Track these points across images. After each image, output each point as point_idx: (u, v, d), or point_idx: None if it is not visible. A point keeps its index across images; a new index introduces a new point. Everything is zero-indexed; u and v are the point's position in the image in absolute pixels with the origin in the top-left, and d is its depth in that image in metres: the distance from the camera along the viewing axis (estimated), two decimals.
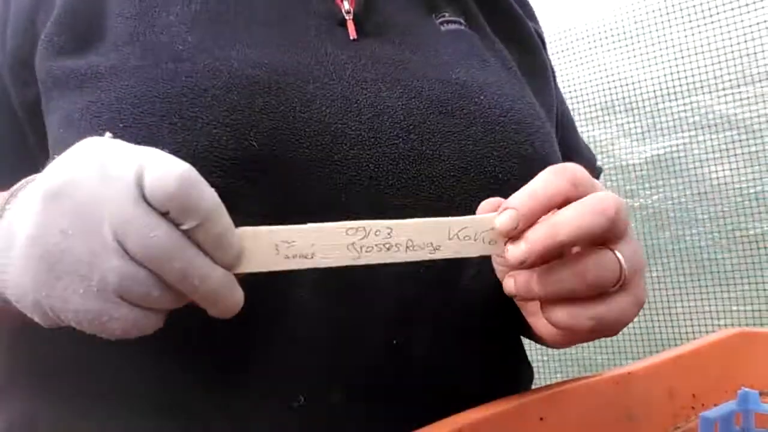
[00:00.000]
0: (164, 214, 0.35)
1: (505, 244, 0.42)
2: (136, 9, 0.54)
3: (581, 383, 0.51)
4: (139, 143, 0.43)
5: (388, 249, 0.41)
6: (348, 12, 0.57)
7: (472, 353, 0.57)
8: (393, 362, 0.52)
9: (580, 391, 0.50)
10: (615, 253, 0.42)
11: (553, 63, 0.73)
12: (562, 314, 0.42)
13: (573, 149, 0.73)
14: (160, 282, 0.35)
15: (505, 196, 0.55)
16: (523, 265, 0.41)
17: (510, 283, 0.43)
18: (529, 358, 0.65)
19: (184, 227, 0.35)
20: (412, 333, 0.52)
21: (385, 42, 0.57)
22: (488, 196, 0.54)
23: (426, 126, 0.54)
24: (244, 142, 0.48)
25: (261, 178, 0.48)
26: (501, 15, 0.67)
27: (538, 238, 0.40)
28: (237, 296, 0.38)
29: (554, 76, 0.72)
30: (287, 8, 0.56)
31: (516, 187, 0.54)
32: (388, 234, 0.41)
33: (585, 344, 2.12)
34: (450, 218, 0.42)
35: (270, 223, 0.39)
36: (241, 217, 0.42)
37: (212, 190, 0.36)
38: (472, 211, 0.54)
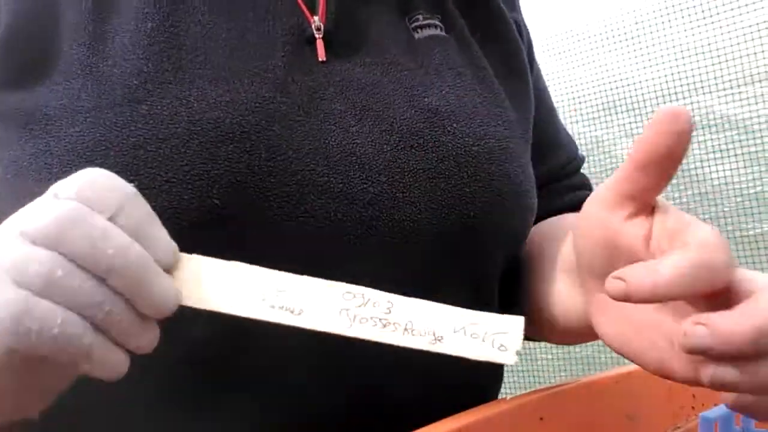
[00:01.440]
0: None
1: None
2: (89, 35, 0.49)
3: (581, 383, 0.51)
4: None
5: (384, 326, 0.37)
6: (318, 29, 0.53)
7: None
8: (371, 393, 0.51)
9: (580, 391, 0.50)
10: None
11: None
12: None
13: (552, 141, 0.72)
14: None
15: (476, 235, 0.54)
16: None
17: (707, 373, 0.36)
18: (533, 356, 0.66)
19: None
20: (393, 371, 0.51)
21: (355, 63, 0.54)
22: (460, 238, 0.53)
23: (396, 164, 0.51)
24: (206, 200, 0.45)
25: (226, 237, 0.46)
26: (479, 9, 0.63)
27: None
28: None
29: (533, 66, 0.69)
30: (253, 23, 0.52)
31: (486, 225, 0.53)
32: (388, 309, 0.37)
33: (588, 343, 2.12)
34: (460, 309, 0.38)
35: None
36: None
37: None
38: (443, 254, 0.52)
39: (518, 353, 0.37)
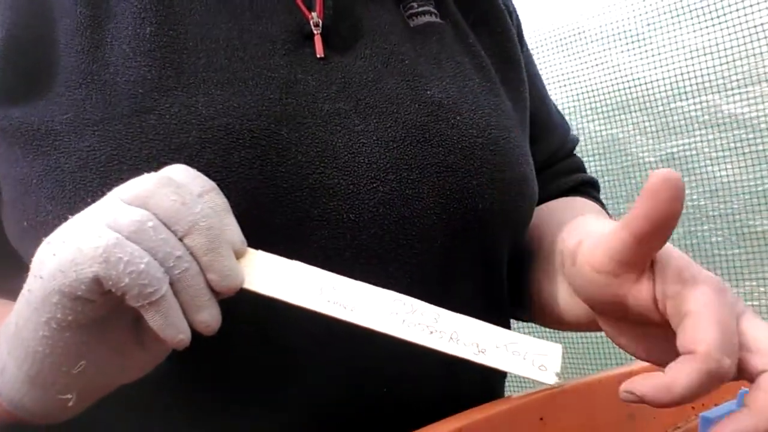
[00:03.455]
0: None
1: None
2: (87, 41, 0.49)
3: (581, 383, 0.51)
4: None
5: (431, 333, 0.39)
6: (317, 25, 0.53)
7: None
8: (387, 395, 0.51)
9: (580, 391, 0.50)
10: None
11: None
12: None
13: (544, 126, 0.72)
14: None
15: (485, 226, 0.54)
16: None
17: None
18: None
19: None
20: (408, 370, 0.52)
21: (355, 57, 0.54)
22: (469, 230, 0.53)
23: (404, 162, 0.51)
24: None
25: None
26: None
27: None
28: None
29: (522, 50, 0.69)
30: (250, 22, 0.52)
31: (493, 215, 0.54)
32: (435, 320, 0.39)
33: (587, 342, 2.13)
34: (501, 329, 0.40)
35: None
36: None
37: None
38: (453, 247, 0.53)
39: (558, 375, 0.40)
